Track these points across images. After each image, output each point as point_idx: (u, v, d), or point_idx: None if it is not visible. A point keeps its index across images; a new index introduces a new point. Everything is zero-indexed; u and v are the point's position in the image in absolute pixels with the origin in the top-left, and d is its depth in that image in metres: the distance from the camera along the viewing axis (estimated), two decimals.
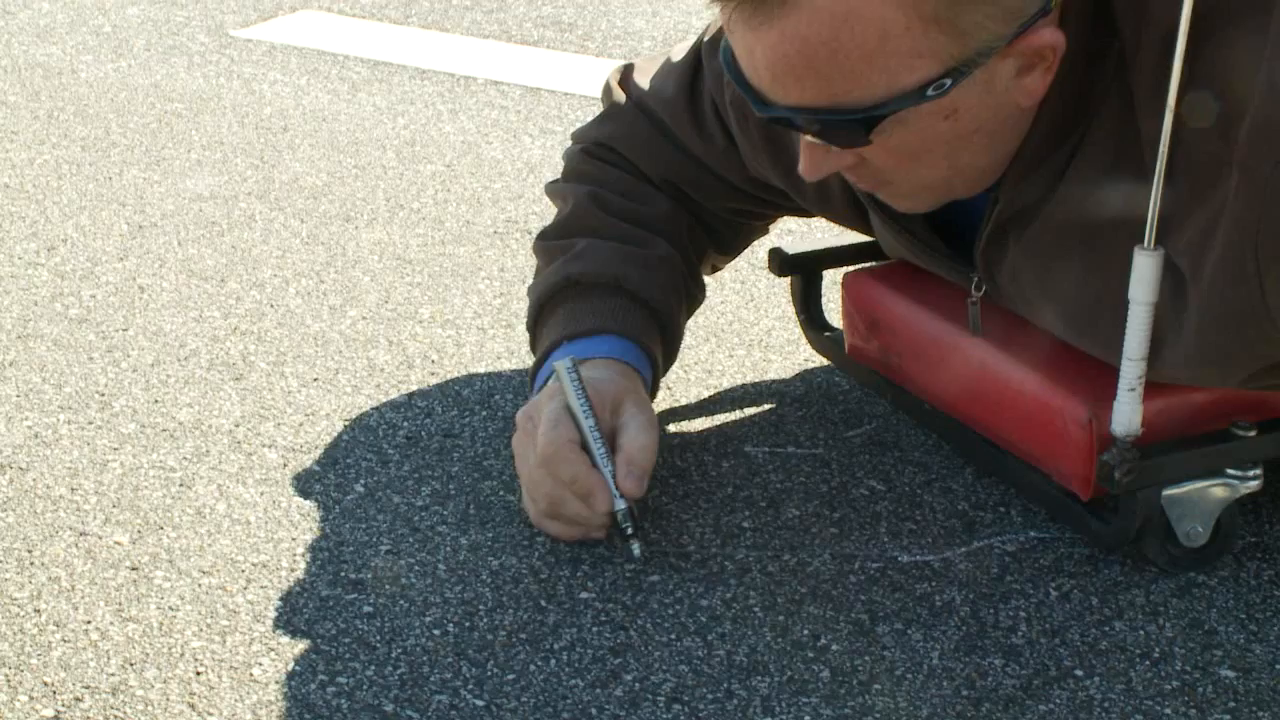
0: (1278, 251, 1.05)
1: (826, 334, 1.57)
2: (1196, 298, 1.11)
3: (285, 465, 1.44)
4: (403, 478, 1.42)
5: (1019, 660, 1.20)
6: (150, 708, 1.16)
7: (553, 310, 1.40)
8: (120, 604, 1.26)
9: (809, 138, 1.13)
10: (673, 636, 1.23)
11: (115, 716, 1.15)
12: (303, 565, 1.31)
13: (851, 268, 1.53)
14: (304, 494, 1.40)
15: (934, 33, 1.03)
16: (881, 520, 1.36)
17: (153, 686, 1.18)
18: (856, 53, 1.03)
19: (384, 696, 1.17)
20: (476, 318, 1.69)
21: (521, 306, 1.71)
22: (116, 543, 1.34)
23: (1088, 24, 1.10)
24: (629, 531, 1.28)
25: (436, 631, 1.23)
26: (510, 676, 1.19)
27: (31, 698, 1.16)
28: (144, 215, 1.92)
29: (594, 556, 1.32)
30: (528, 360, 1.60)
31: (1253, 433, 1.27)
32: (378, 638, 1.23)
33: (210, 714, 1.15)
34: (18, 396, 1.54)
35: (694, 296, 1.48)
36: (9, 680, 1.18)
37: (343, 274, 1.78)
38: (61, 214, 1.93)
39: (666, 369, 1.45)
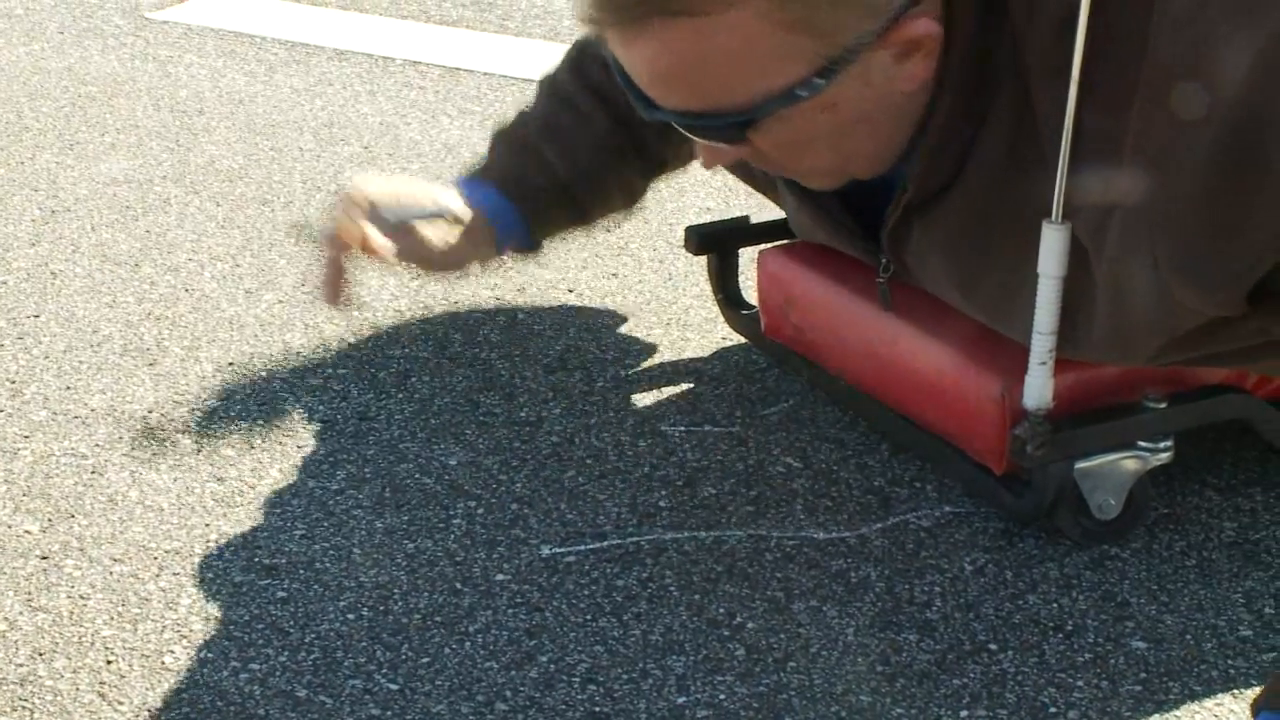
0: (1169, 223, 1.05)
1: (744, 312, 1.57)
2: (1100, 275, 1.12)
3: (199, 451, 1.43)
4: (318, 462, 1.41)
5: (934, 635, 1.20)
6: (60, 698, 1.14)
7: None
8: (29, 593, 1.25)
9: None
10: (588, 618, 1.22)
11: (24, 707, 1.14)
12: (215, 551, 1.30)
13: (768, 245, 1.53)
14: (218, 480, 1.39)
15: (797, 37, 1.04)
16: (798, 498, 1.36)
17: (62, 676, 1.16)
18: (724, 63, 1.05)
19: (297, 682, 1.16)
20: (393, 299, 1.68)
21: (437, 289, 1.70)
22: (26, 531, 1.32)
23: (975, 8, 1.11)
24: None
25: (351, 616, 1.23)
26: (425, 660, 1.18)
27: None
28: (57, 200, 1.90)
29: (509, 539, 1.31)
30: (443, 343, 1.60)
31: (1163, 405, 1.28)
32: (291, 623, 1.22)
33: (120, 704, 1.14)
34: None
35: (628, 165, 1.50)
36: None
37: (258, 257, 1.77)
38: None
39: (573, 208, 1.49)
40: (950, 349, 1.32)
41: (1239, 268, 1.04)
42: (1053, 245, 1.14)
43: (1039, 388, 1.19)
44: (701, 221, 1.58)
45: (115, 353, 1.58)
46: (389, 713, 1.13)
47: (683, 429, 1.46)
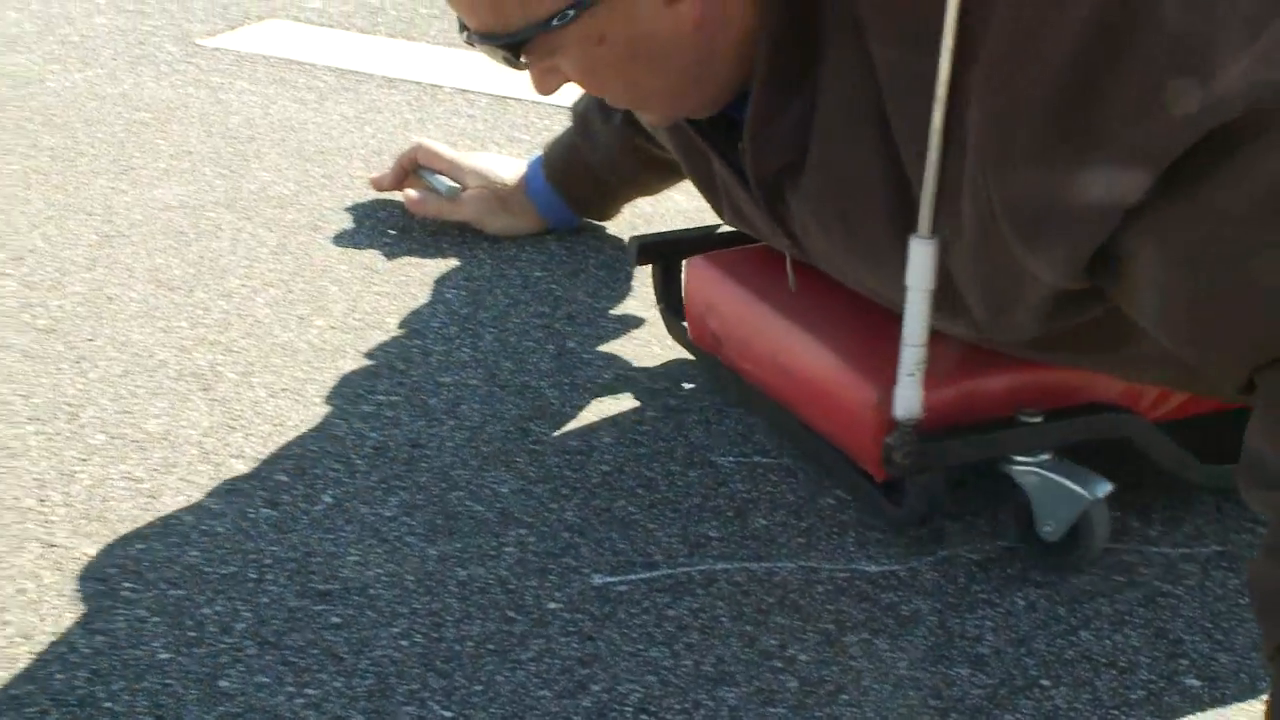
0: (1003, 176, 1.08)
1: (683, 323, 1.60)
2: (963, 243, 1.14)
3: (253, 476, 1.44)
4: (370, 488, 1.42)
5: (986, 670, 1.21)
6: (117, 719, 1.16)
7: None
8: (87, 616, 1.26)
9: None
10: (640, 647, 1.23)
11: None
12: (270, 576, 1.31)
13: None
14: (271, 505, 1.40)
15: None
16: (849, 530, 1.37)
17: (119, 699, 1.17)
18: None
19: (352, 708, 1.17)
20: (443, 327, 1.69)
21: (487, 316, 1.71)
22: (84, 554, 1.33)
23: None
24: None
25: (404, 642, 1.23)
26: (478, 688, 1.19)
27: None
28: (112, 225, 1.92)
29: (561, 567, 1.32)
30: (494, 371, 1.61)
31: (1039, 420, 1.29)
32: (345, 649, 1.23)
33: None
34: None
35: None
36: None
37: (310, 283, 1.78)
38: (29, 224, 1.92)
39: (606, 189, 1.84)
40: (834, 355, 1.36)
41: (1073, 223, 1.06)
42: (920, 260, 1.16)
43: (908, 398, 1.23)
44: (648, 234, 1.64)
45: (170, 377, 1.60)
46: None
47: (733, 459, 1.47)
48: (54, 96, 2.32)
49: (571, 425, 1.52)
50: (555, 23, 1.18)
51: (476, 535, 1.36)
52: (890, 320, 1.24)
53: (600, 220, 1.92)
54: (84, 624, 1.25)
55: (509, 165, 1.89)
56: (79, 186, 2.02)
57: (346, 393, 1.57)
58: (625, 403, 1.55)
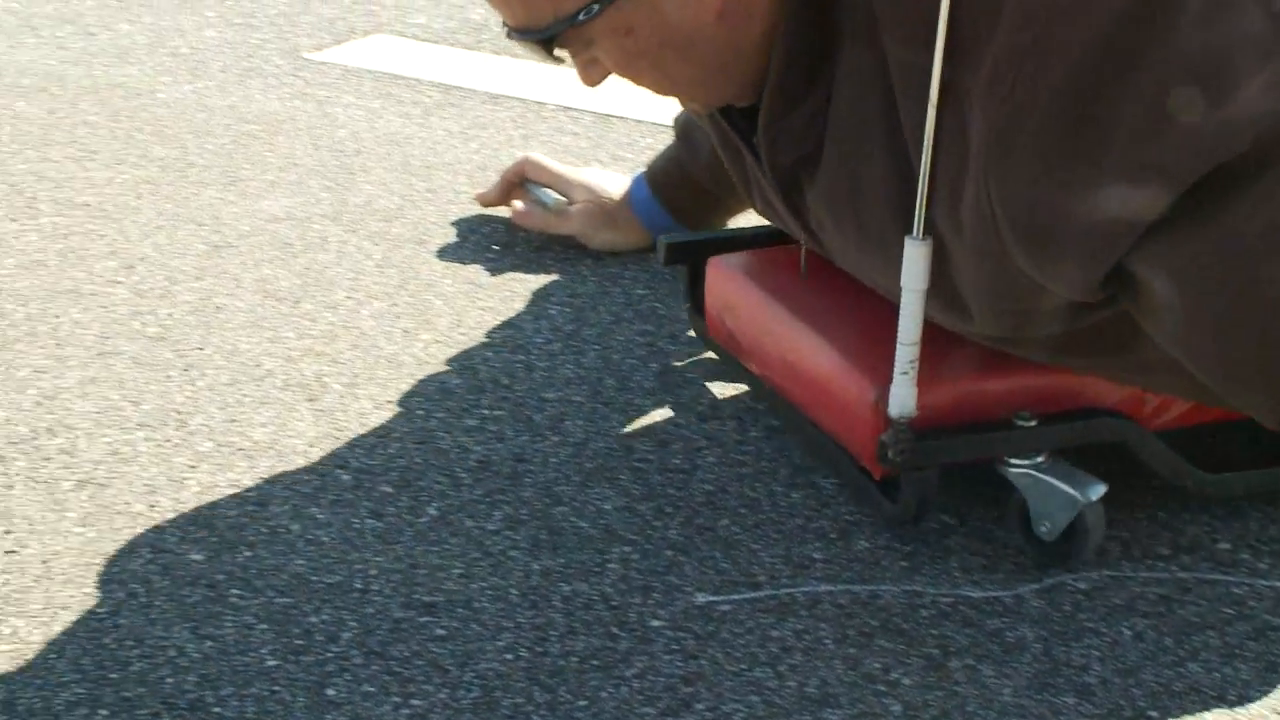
0: (1005, 189, 1.08)
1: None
2: (965, 246, 1.15)
3: (358, 486, 1.45)
4: (475, 501, 1.43)
5: (1092, 700, 1.20)
6: None
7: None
8: (196, 621, 1.28)
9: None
10: (744, 667, 1.23)
11: None
12: (376, 587, 1.32)
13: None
14: (376, 516, 1.41)
15: None
16: (953, 555, 1.36)
17: (228, 704, 1.19)
18: None
19: None
20: (547, 343, 1.70)
21: (591, 333, 1.72)
22: (193, 560, 1.35)
23: None
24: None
25: (509, 656, 1.24)
26: (582, 703, 1.19)
27: (111, 713, 1.18)
28: (220, 235, 1.94)
29: (665, 585, 1.32)
30: (597, 388, 1.61)
31: (1034, 423, 1.31)
32: (450, 661, 1.23)
33: None
34: (97, 413, 1.56)
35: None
36: (89, 694, 1.19)
37: (415, 297, 1.80)
38: (140, 233, 1.95)
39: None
40: (836, 353, 1.39)
41: (1081, 244, 1.08)
42: (914, 260, 1.18)
43: (902, 397, 1.25)
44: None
45: (277, 387, 1.62)
46: None
47: (836, 481, 1.46)
48: (164, 108, 2.35)
49: (675, 444, 1.52)
50: (582, 17, 1.23)
51: (580, 551, 1.36)
52: (896, 319, 1.27)
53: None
54: (193, 629, 1.27)
55: (615, 180, 1.90)
56: (188, 197, 2.05)
57: (451, 406, 1.59)
58: (728, 423, 1.56)
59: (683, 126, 1.81)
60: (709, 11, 1.24)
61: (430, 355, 1.68)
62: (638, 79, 1.32)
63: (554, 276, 1.85)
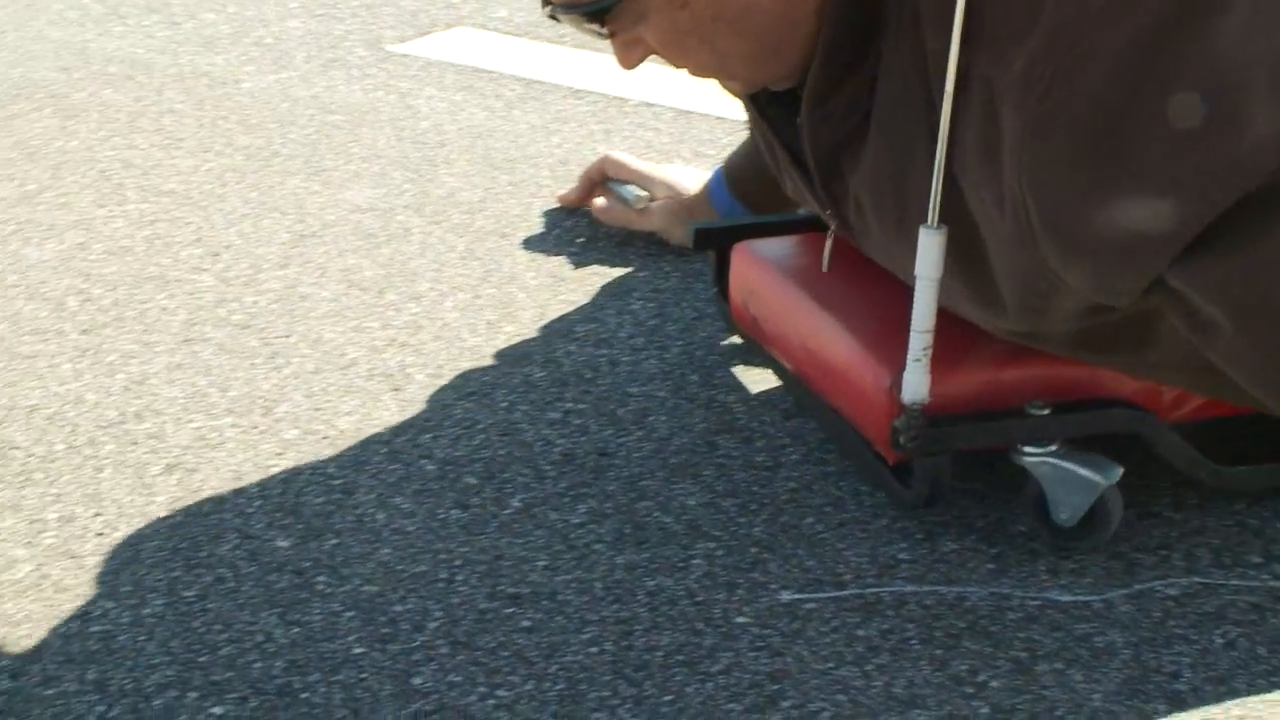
0: (1039, 191, 1.08)
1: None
2: (997, 231, 1.14)
3: (443, 477, 1.46)
4: (559, 494, 1.43)
5: (1184, 708, 1.18)
6: (314, 710, 1.17)
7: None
8: (284, 607, 1.28)
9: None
10: (830, 665, 1.22)
11: (281, 718, 1.17)
12: (461, 577, 1.32)
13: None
14: (461, 507, 1.42)
15: None
16: (1040, 558, 1.35)
17: (316, 690, 1.19)
18: None
19: (543, 712, 1.17)
20: (630, 338, 1.70)
21: (674, 328, 1.72)
22: (279, 547, 1.36)
23: None
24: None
25: (594, 649, 1.24)
26: (667, 698, 1.19)
27: (200, 695, 1.18)
28: (304, 224, 1.95)
29: (749, 582, 1.32)
30: (680, 384, 1.61)
31: (1046, 412, 1.31)
32: (536, 653, 1.24)
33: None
34: (184, 399, 1.57)
35: None
36: (179, 676, 1.20)
37: (499, 289, 1.80)
38: (225, 221, 1.96)
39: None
40: (854, 340, 1.40)
41: (1116, 255, 1.07)
42: (929, 249, 1.19)
43: (914, 383, 1.27)
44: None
45: (361, 376, 1.62)
46: None
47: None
48: (249, 97, 2.37)
49: (759, 441, 1.52)
50: None
51: (664, 546, 1.36)
52: None
53: None
54: (280, 615, 1.27)
55: (695, 176, 1.89)
56: (273, 186, 2.06)
57: (534, 399, 1.59)
58: (812, 422, 1.55)
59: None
60: None
61: (513, 348, 1.68)
62: (683, 57, 1.30)
63: (637, 271, 1.84)
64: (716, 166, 1.88)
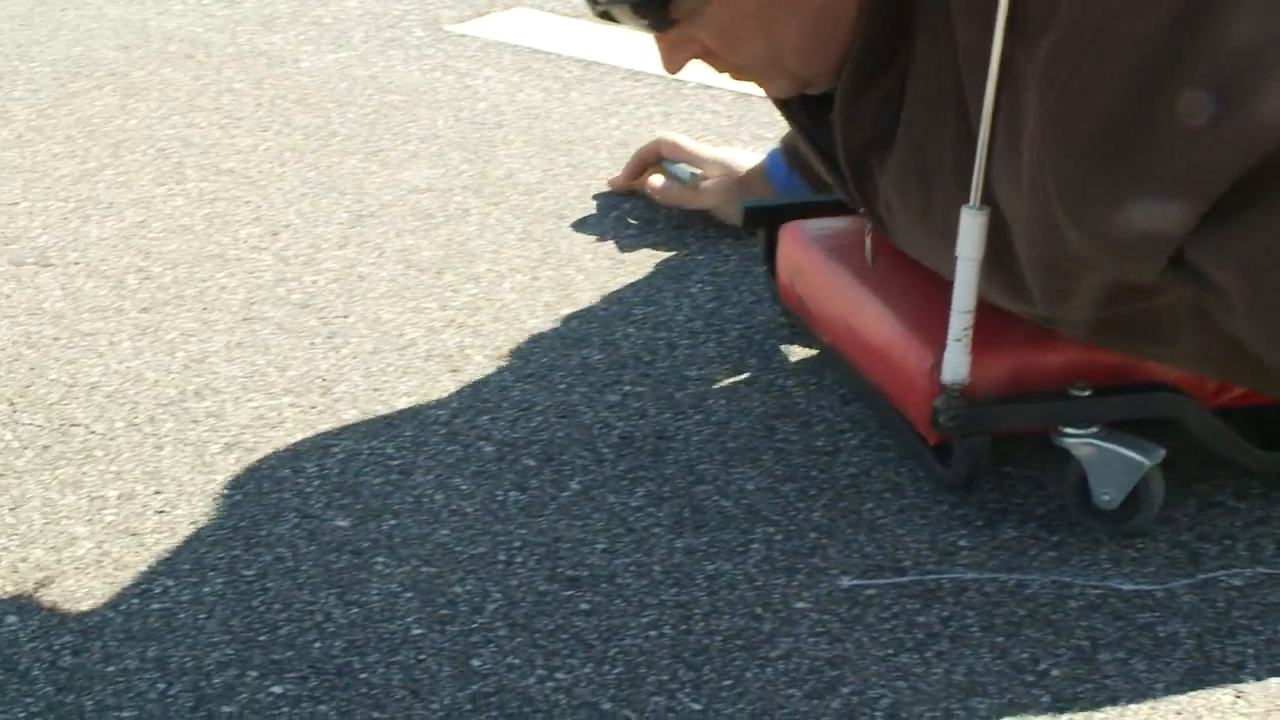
0: (1061, 176, 1.08)
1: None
2: (1019, 213, 1.15)
3: (501, 459, 1.46)
4: (617, 477, 1.43)
5: (1248, 699, 1.17)
6: (374, 691, 1.17)
7: None
8: (342, 587, 1.29)
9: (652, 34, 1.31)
10: (889, 652, 1.22)
11: (340, 698, 1.17)
12: (520, 559, 1.32)
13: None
14: (520, 488, 1.42)
15: None
16: (1101, 546, 1.34)
17: (375, 671, 1.19)
18: None
19: (602, 695, 1.17)
20: (689, 321, 1.70)
21: (733, 312, 1.71)
22: (338, 526, 1.36)
23: None
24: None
25: (653, 633, 1.24)
26: (726, 682, 1.19)
27: (260, 674, 1.19)
28: (362, 205, 1.96)
29: (809, 567, 1.31)
30: (739, 367, 1.60)
31: (1087, 394, 1.31)
32: (594, 636, 1.23)
33: (431, 702, 1.17)
34: (244, 378, 1.58)
35: None
36: (239, 655, 1.21)
37: (557, 271, 1.80)
38: (284, 200, 1.96)
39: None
40: (896, 321, 1.41)
41: (1138, 234, 1.07)
42: (971, 229, 1.19)
43: (955, 363, 1.27)
44: None
45: (420, 357, 1.62)
46: None
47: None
48: (307, 77, 2.37)
49: (818, 425, 1.51)
50: None
51: (723, 530, 1.36)
52: None
53: None
54: (339, 594, 1.28)
55: (749, 157, 1.89)
56: (331, 165, 2.07)
57: (592, 381, 1.58)
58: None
59: None
60: None
61: (572, 330, 1.68)
62: (738, 50, 1.29)
63: (695, 254, 1.84)
64: (772, 148, 1.88)
